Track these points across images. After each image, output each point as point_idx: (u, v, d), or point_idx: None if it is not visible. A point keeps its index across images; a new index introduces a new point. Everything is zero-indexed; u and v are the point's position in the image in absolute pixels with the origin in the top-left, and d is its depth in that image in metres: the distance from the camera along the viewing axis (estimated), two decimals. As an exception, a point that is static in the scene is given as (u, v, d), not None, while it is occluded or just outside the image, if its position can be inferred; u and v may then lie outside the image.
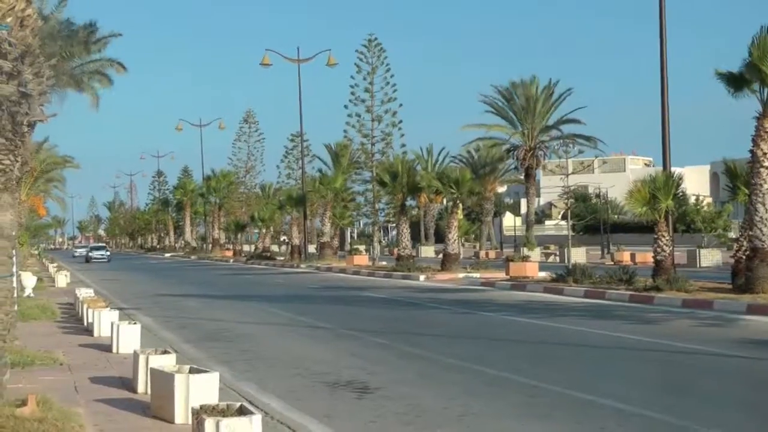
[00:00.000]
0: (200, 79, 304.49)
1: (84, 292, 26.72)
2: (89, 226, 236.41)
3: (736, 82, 26.37)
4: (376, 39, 70.25)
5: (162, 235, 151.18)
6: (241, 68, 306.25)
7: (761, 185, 25.61)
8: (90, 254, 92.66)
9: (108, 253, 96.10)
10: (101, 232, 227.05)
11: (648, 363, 15.78)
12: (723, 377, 14.02)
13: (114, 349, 17.53)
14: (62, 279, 44.43)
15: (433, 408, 11.83)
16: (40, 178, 55.01)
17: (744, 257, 26.66)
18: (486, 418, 11.18)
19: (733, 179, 29.90)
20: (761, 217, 25.43)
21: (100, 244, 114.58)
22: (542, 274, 38.24)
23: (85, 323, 22.30)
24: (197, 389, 10.87)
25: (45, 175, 56.97)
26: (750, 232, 25.88)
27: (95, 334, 20.45)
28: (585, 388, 12.74)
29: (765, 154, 25.69)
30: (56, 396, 11.92)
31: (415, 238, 78.08)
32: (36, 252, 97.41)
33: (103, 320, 20.30)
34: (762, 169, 25.64)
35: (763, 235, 25.33)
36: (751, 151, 25.98)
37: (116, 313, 21.10)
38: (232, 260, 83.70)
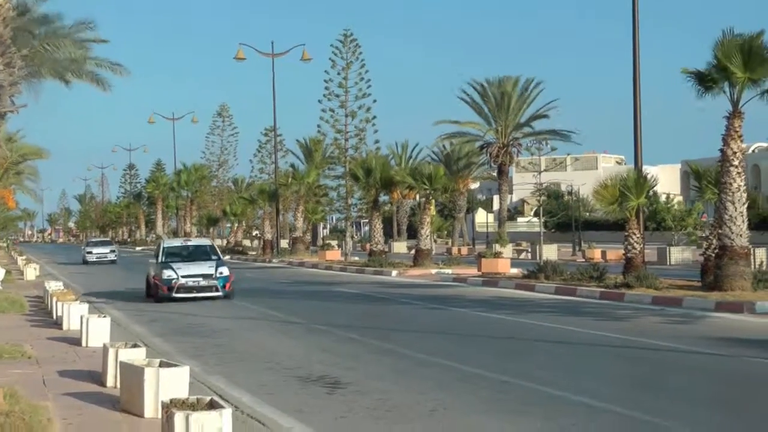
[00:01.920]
0: (174, 72, 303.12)
1: (53, 285, 26.56)
2: (59, 218, 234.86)
3: (704, 80, 26.50)
4: (351, 34, 70.00)
5: (133, 228, 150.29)
6: (215, 62, 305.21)
7: (731, 184, 25.77)
8: (87, 252, 65.29)
9: (114, 250, 66.82)
10: (71, 224, 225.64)
11: (618, 359, 15.86)
12: (691, 373, 14.11)
13: (83, 343, 17.44)
14: (31, 272, 44.14)
15: (405, 403, 11.85)
16: (11, 170, 54.59)
17: (713, 255, 26.82)
18: (457, 412, 11.21)
19: (698, 180, 30.08)
20: (731, 216, 25.59)
21: (102, 239, 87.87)
22: (514, 271, 38.33)
23: (54, 316, 22.17)
24: (167, 383, 10.83)
25: (15, 167, 56.56)
26: (719, 231, 26.04)
27: (64, 327, 20.34)
28: (555, 384, 12.79)
29: (735, 153, 25.85)
30: (24, 390, 11.85)
31: (388, 234, 78.15)
32: (4, 245, 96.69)
33: (73, 313, 20.19)
34: (732, 168, 25.80)
35: (732, 233, 25.49)
36: (722, 150, 26.13)
37: (86, 306, 21.00)
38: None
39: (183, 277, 28.65)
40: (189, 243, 33.36)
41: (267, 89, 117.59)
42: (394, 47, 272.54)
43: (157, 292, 28.94)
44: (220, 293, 28.74)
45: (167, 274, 28.80)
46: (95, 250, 65.01)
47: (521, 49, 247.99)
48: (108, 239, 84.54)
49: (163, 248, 30.83)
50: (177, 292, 28.43)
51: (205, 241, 33.59)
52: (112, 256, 64.48)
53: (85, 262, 62.76)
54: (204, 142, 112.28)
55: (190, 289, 28.60)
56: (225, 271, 29.36)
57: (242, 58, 62.08)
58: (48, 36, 24.82)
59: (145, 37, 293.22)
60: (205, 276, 28.91)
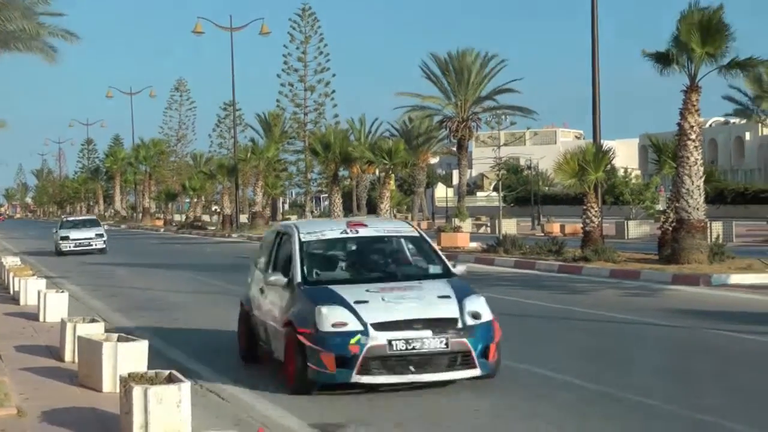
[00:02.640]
0: (131, 47, 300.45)
1: (10, 261, 26.31)
2: (16, 194, 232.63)
3: (663, 59, 26.64)
4: (310, 8, 69.96)
5: (91, 204, 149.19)
6: (173, 36, 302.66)
7: (688, 158, 25.95)
8: (62, 238, 43.96)
9: (102, 234, 45.15)
10: (28, 200, 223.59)
11: (576, 332, 15.97)
12: (647, 345, 14.24)
13: (41, 318, 17.31)
14: (-13, 248, 43.71)
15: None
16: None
17: (670, 228, 27.03)
18: (410, 387, 11.22)
19: (658, 153, 30.26)
20: (688, 189, 25.78)
21: (86, 217, 61.39)
22: (473, 245, 38.44)
23: (11, 292, 21.97)
24: (125, 357, 10.78)
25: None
26: (677, 204, 26.23)
27: (21, 302, 20.17)
28: (514, 357, 12.83)
29: (692, 127, 26.02)
30: (-19, 365, 11.74)
31: (348, 209, 78.00)
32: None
33: (30, 288, 20.01)
34: (689, 142, 25.98)
35: (689, 206, 25.69)
36: (679, 125, 26.30)
37: (43, 281, 20.81)
38: (162, 229, 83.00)
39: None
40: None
41: (226, 64, 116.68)
42: (355, 21, 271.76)
43: None
44: None
45: None
46: (74, 235, 43.72)
47: (482, 23, 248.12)
48: (93, 217, 55.20)
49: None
50: None
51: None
52: (99, 244, 43.69)
53: (60, 253, 42.80)
54: (162, 117, 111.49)
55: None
56: None
57: (200, 32, 61.62)
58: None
59: (103, 11, 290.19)
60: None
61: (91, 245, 43.39)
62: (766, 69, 42.09)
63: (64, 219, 49.68)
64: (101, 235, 44.32)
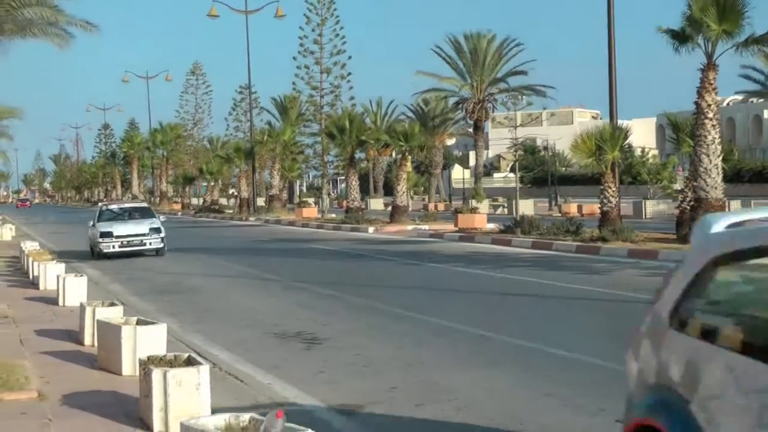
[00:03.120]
0: (147, 31, 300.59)
1: (29, 245, 26.45)
2: (35, 179, 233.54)
3: (679, 37, 26.51)
4: (326, -10, 69.69)
5: (109, 188, 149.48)
6: (189, 20, 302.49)
7: (705, 136, 25.86)
8: (103, 234, 31.14)
9: (159, 229, 31.52)
10: (47, 185, 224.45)
11: (593, 312, 15.96)
12: (667, 325, 14.20)
13: (60, 302, 17.41)
14: (7, 232, 43.95)
15: (382, 358, 11.90)
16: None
17: (688, 208, 26.97)
18: (433, 367, 11.27)
19: (676, 131, 30.16)
20: (705, 168, 25.71)
21: (134, 203, 38.31)
22: (490, 226, 38.42)
23: (31, 276, 22.11)
24: (144, 341, 10.83)
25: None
26: (694, 183, 26.17)
27: (41, 287, 20.29)
28: (532, 338, 12.87)
29: (709, 105, 25.92)
30: (1, 349, 11.83)
31: (364, 191, 78.06)
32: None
33: (49, 273, 20.12)
34: (707, 121, 25.89)
35: (707, 185, 25.62)
36: (696, 103, 26.21)
37: (62, 265, 20.94)
38: (180, 213, 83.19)
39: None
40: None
41: (241, 47, 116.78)
42: (370, 3, 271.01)
43: None
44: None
45: None
46: (120, 230, 31.33)
47: (500, 4, 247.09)
48: (144, 204, 37.87)
49: None
50: None
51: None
52: (155, 242, 31.32)
53: (100, 255, 30.85)
54: (178, 101, 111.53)
55: None
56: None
57: (215, 15, 61.52)
58: None
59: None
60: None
61: (144, 244, 30.83)
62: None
63: (104, 207, 34.13)
64: (157, 230, 30.92)
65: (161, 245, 30.69)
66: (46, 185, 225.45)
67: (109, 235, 30.51)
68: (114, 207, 34.27)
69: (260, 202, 74.86)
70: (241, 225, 56.89)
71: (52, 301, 17.84)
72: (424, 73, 73.00)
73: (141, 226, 31.08)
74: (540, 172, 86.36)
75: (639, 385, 5.98)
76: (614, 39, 31.68)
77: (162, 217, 32.87)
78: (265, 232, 45.72)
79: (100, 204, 37.24)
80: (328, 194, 76.07)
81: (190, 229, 52.09)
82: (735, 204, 38.34)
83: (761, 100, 76.40)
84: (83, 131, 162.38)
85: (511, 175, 75.85)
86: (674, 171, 64.73)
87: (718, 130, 26.20)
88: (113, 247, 30.36)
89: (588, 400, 9.43)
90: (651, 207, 49.61)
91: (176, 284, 21.96)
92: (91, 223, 31.79)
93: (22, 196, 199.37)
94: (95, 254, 30.87)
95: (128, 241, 30.55)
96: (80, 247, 34.06)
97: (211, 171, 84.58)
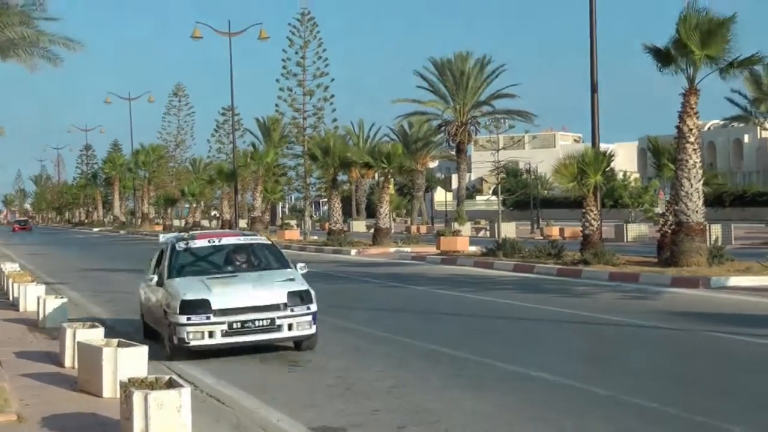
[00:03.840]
0: (130, 53, 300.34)
1: (9, 267, 26.32)
2: (15, 200, 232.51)
3: (663, 57, 26.64)
4: (309, 13, 69.93)
5: (90, 209, 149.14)
6: (172, 42, 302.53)
7: (687, 161, 25.97)
8: (188, 306, 13.55)
9: (307, 295, 14.09)
10: (27, 206, 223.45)
11: (576, 335, 15.98)
12: (647, 348, 14.25)
13: (40, 324, 17.32)
14: (-12, 254, 43.65)
15: (364, 380, 11.88)
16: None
17: (669, 231, 27.04)
18: (416, 389, 11.26)
19: (657, 156, 30.30)
20: (687, 192, 25.79)
21: (240, 239, 16.11)
22: (472, 249, 38.45)
23: (11, 298, 21.97)
24: (126, 363, 10.78)
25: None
26: (676, 207, 26.25)
27: (21, 308, 20.18)
28: (514, 361, 12.87)
29: (691, 130, 26.04)
30: (-19, 371, 11.74)
31: (347, 213, 78.04)
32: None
33: (29, 294, 20.01)
34: (688, 145, 25.99)
35: (689, 209, 25.70)
36: (678, 127, 26.31)
37: (43, 287, 20.82)
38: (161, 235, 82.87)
39: None
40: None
41: (225, 68, 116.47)
42: (354, 26, 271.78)
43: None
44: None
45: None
46: (227, 298, 13.89)
47: (481, 28, 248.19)
48: (259, 238, 16.70)
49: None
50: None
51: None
52: (300, 322, 14.01)
53: (180, 350, 13.87)
54: (161, 123, 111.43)
55: None
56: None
57: (199, 36, 61.49)
58: None
59: (100, 17, 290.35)
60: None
61: (279, 327, 13.93)
62: (766, 68, 42.25)
63: (181, 242, 15.98)
64: (302, 295, 14.27)
65: (311, 329, 14.19)
66: (27, 206, 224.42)
67: (203, 309, 13.75)
68: (202, 244, 15.94)
69: (242, 223, 74.68)
70: (223, 247, 56.60)
71: (32, 322, 17.75)
72: (402, 100, 73.25)
73: (268, 289, 14.32)
74: (522, 195, 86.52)
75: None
76: (596, 63, 31.85)
77: (301, 267, 15.34)
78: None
79: (166, 237, 17.66)
80: (311, 216, 76.08)
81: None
82: (716, 228, 38.46)
83: (742, 124, 76.94)
84: (65, 152, 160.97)
85: (494, 197, 76.00)
86: (655, 194, 64.98)
87: (699, 154, 26.32)
88: (214, 335, 13.76)
89: (569, 422, 9.44)
90: (632, 230, 49.76)
91: (158, 306, 21.82)
92: (152, 275, 15.59)
93: (19, 217, 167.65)
94: (171, 346, 14.02)
95: (247, 323, 13.87)
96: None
97: (193, 192, 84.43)
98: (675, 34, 25.88)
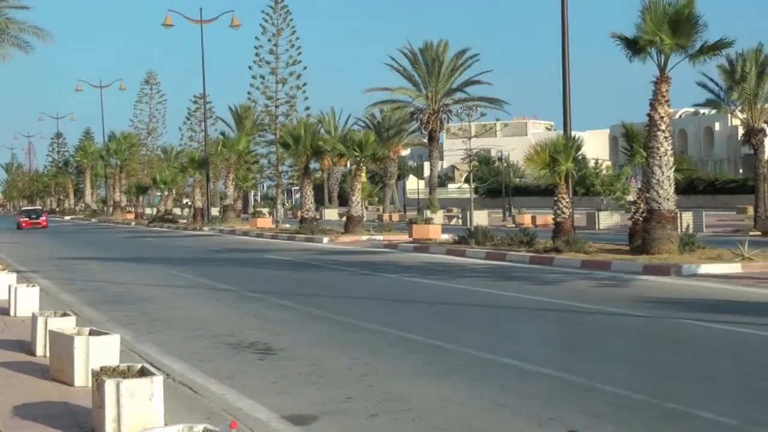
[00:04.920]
0: (101, 39, 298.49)
1: (-20, 256, 26.11)
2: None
3: (633, 46, 26.75)
4: (282, 1, 69.67)
5: (62, 198, 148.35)
6: (143, 29, 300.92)
7: (658, 148, 26.11)
8: None
9: None
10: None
11: (547, 323, 16.06)
12: (618, 335, 14.34)
13: (11, 312, 17.20)
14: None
15: (336, 368, 11.89)
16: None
17: (641, 219, 27.21)
18: (388, 377, 11.28)
19: (630, 141, 30.44)
20: (658, 180, 25.95)
21: None
22: (445, 237, 38.54)
23: (-19, 287, 21.79)
24: (97, 351, 10.73)
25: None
26: (647, 195, 26.40)
27: (-8, 297, 20.02)
28: (486, 348, 12.92)
29: (662, 117, 26.18)
30: (-49, 360, 11.68)
31: (319, 201, 78.05)
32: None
33: (0, 283, 19.88)
34: (659, 133, 26.14)
35: (660, 197, 25.86)
36: (649, 115, 26.45)
37: (14, 275, 20.70)
38: (133, 223, 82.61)
39: None
40: None
41: (196, 56, 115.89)
42: (326, 14, 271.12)
43: None
44: None
45: None
46: None
47: (452, 15, 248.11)
48: None
49: None
50: None
51: None
52: None
53: None
54: (132, 110, 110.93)
55: None
56: None
57: (170, 24, 61.30)
58: None
59: (71, 4, 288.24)
60: None
61: None
62: (739, 60, 42.52)
63: None
64: None
65: None
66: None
67: None
68: None
69: (214, 212, 74.54)
70: (194, 235, 56.59)
71: (3, 311, 17.63)
72: (374, 89, 73.21)
73: None
74: (494, 182, 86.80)
75: None
76: (568, 50, 31.94)
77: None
78: (219, 243, 45.53)
79: None
80: (283, 204, 75.99)
81: (142, 239, 51.74)
82: (687, 215, 38.73)
83: (713, 111, 77.31)
84: (35, 140, 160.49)
85: (466, 185, 76.15)
86: (627, 182, 65.35)
87: (670, 142, 26.47)
88: None
89: (540, 409, 9.48)
90: (604, 218, 50.01)
91: (129, 294, 21.79)
92: None
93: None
94: None
95: None
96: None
97: (165, 181, 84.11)
98: (642, 23, 25.94)
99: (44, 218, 75.68)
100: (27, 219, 73.54)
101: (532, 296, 19.09)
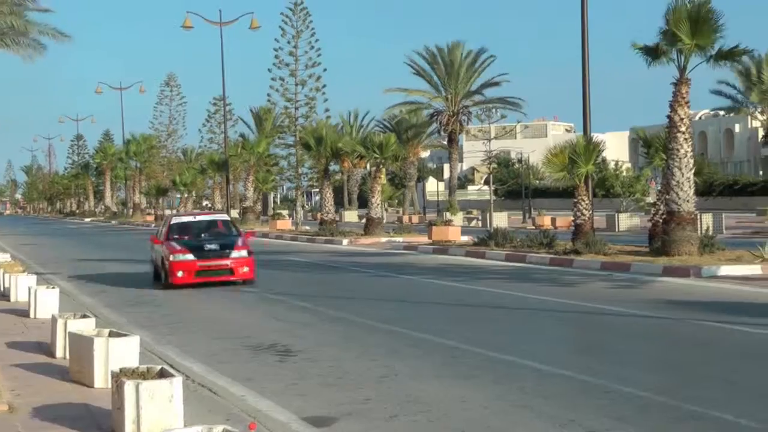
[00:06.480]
0: (121, 41, 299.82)
1: (0, 257, 26.24)
2: (6, 190, 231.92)
3: (652, 52, 26.66)
4: (302, 2, 69.68)
5: (81, 199, 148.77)
6: (163, 31, 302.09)
7: (678, 150, 25.99)
8: None
9: None
10: (18, 196, 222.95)
11: (567, 324, 16.01)
12: (638, 337, 14.28)
13: (31, 314, 17.28)
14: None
15: (355, 370, 11.89)
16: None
17: (661, 221, 27.08)
18: (407, 378, 11.27)
19: (647, 146, 30.34)
20: (678, 181, 25.82)
21: None
22: (464, 238, 38.46)
23: (2, 288, 21.90)
24: (117, 353, 10.77)
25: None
26: (667, 196, 26.28)
27: (12, 299, 20.12)
28: (505, 350, 12.89)
29: (682, 119, 26.06)
30: (-28, 361, 11.73)
31: (339, 203, 78.06)
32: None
33: (20, 285, 19.96)
34: (679, 134, 26.02)
35: (680, 198, 25.74)
36: (669, 117, 26.33)
37: (34, 277, 20.78)
38: (153, 225, 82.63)
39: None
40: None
41: (216, 58, 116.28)
42: (345, 16, 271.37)
43: None
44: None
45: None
46: None
47: (473, 17, 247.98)
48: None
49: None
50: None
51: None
52: None
53: None
54: (152, 112, 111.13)
55: None
56: None
57: (190, 26, 61.30)
58: None
59: (91, 7, 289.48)
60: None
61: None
62: (754, 62, 42.37)
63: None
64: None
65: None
66: (18, 196, 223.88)
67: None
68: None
69: (234, 213, 74.59)
70: (214, 237, 56.56)
71: (23, 313, 17.71)
72: (393, 89, 73.12)
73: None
74: (514, 184, 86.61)
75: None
76: (588, 52, 31.82)
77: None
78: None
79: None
80: (302, 206, 76.01)
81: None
82: (707, 217, 38.52)
83: (732, 114, 77.07)
84: (56, 142, 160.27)
85: (486, 187, 76.03)
86: (647, 184, 65.12)
87: (690, 143, 26.35)
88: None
89: (559, 410, 9.46)
90: (624, 220, 49.78)
91: (149, 296, 21.85)
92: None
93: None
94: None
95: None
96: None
97: (185, 182, 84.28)
98: (665, 25, 25.88)
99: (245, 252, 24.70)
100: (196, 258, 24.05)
101: (551, 298, 19.04)
